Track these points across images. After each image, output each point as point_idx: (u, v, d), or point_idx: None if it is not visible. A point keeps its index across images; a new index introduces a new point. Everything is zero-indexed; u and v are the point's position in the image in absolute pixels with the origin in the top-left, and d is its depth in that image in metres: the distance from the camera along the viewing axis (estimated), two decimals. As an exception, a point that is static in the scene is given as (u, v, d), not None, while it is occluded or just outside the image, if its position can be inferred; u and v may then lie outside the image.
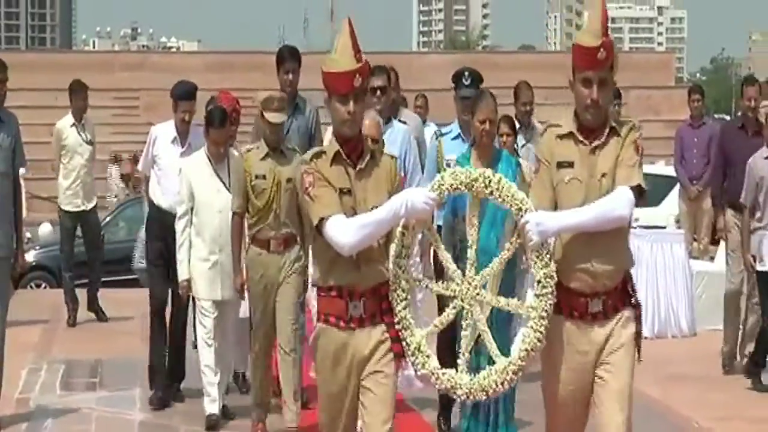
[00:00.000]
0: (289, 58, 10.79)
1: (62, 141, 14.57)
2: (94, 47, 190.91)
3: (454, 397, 6.37)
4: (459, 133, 9.88)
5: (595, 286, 6.35)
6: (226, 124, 10.09)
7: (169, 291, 10.81)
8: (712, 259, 13.52)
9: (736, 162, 11.83)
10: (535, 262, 6.12)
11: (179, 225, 10.13)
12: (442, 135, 9.95)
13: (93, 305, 14.98)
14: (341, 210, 6.16)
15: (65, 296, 14.92)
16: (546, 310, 6.10)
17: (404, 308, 6.22)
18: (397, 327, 6.24)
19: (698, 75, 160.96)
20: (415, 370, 6.34)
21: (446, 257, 6.34)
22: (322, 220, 6.12)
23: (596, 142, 6.40)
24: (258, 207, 9.38)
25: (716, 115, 27.16)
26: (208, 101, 11.11)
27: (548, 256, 6.13)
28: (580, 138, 6.42)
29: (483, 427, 8.79)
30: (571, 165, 6.41)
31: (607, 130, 6.42)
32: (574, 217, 6.27)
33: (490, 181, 6.14)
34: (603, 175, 6.35)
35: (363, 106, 6.31)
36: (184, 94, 10.82)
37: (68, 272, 14.98)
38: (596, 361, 6.40)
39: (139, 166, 11.61)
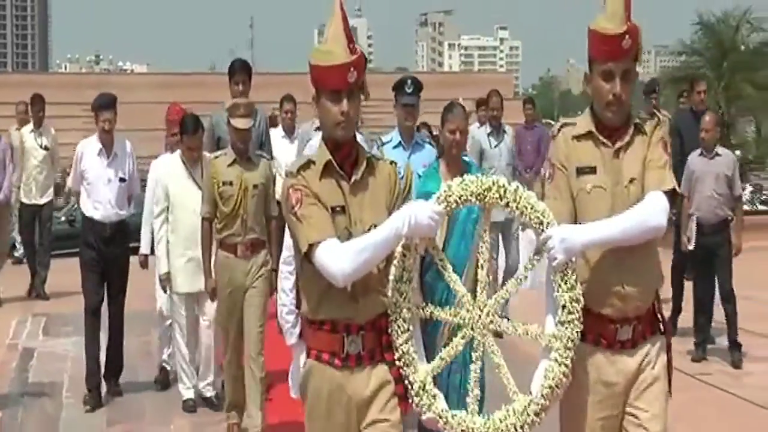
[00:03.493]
0: (239, 70, 9.20)
1: (23, 144, 13.91)
2: (66, 70, 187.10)
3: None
4: (400, 141, 8.08)
5: (626, 310, 4.44)
6: (199, 131, 8.49)
7: (104, 294, 9.06)
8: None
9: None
10: (560, 285, 4.20)
11: (156, 223, 8.56)
12: (383, 144, 8.12)
13: (38, 285, 14.09)
14: (334, 233, 4.13)
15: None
16: (572, 340, 4.18)
17: (406, 341, 4.22)
18: (398, 363, 4.24)
19: (530, 89, 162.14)
20: (420, 413, 4.28)
21: (455, 279, 4.29)
22: (311, 246, 4.10)
23: (620, 143, 4.44)
24: (225, 213, 7.59)
25: (544, 120, 27.33)
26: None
27: (574, 276, 4.21)
28: (602, 139, 4.46)
29: None
30: (593, 171, 4.45)
31: (631, 129, 4.46)
32: (602, 231, 4.29)
33: (505, 191, 4.19)
34: (631, 181, 4.42)
35: (358, 105, 4.25)
36: (103, 104, 8.88)
37: (28, 254, 14.30)
38: (626, 394, 4.51)
39: (69, 183, 9.72)
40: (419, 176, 6.84)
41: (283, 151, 11.23)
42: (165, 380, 9.40)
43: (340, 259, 4.06)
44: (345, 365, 4.25)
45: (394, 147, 8.09)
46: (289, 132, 12.05)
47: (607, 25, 4.37)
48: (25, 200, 13.98)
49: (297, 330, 5.66)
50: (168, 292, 8.75)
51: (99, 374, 9.04)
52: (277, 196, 7.30)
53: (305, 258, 4.16)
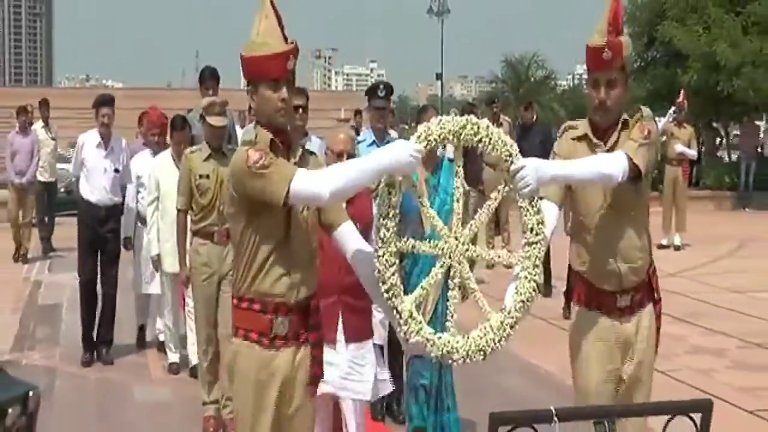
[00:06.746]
0: (209, 78, 7.68)
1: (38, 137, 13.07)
2: (65, 85, 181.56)
3: (450, 362, 3.30)
4: (374, 140, 6.46)
5: (623, 284, 3.71)
6: (186, 128, 6.97)
7: (98, 270, 7.64)
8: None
9: None
10: (528, 210, 3.31)
11: (149, 210, 7.07)
12: (358, 143, 6.23)
13: (47, 242, 13.22)
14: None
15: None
16: (539, 257, 3.32)
17: (393, 274, 3.20)
18: (385, 295, 3.17)
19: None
20: (407, 339, 3.24)
21: (432, 214, 3.31)
22: (289, 181, 3.02)
23: (610, 143, 3.67)
24: (202, 204, 5.92)
25: (400, 125, 27.70)
26: (140, 115, 8.52)
27: (539, 203, 3.33)
28: (594, 140, 3.69)
29: (429, 411, 5.10)
30: None
31: (619, 127, 3.68)
32: (567, 167, 3.43)
33: (479, 127, 3.23)
34: None
35: (293, 92, 3.26)
36: (103, 101, 7.65)
37: (40, 221, 13.38)
38: (623, 356, 3.74)
39: (70, 169, 8.29)
40: None
41: None
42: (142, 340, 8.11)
43: (324, 178, 3.02)
44: (272, 344, 3.17)
45: (369, 145, 6.46)
46: None
47: (593, 39, 3.62)
48: (39, 178, 13.23)
49: None
50: (159, 271, 7.23)
51: (93, 342, 7.66)
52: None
53: (285, 200, 3.03)
